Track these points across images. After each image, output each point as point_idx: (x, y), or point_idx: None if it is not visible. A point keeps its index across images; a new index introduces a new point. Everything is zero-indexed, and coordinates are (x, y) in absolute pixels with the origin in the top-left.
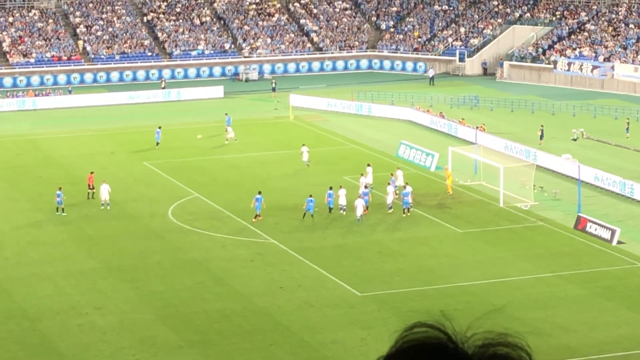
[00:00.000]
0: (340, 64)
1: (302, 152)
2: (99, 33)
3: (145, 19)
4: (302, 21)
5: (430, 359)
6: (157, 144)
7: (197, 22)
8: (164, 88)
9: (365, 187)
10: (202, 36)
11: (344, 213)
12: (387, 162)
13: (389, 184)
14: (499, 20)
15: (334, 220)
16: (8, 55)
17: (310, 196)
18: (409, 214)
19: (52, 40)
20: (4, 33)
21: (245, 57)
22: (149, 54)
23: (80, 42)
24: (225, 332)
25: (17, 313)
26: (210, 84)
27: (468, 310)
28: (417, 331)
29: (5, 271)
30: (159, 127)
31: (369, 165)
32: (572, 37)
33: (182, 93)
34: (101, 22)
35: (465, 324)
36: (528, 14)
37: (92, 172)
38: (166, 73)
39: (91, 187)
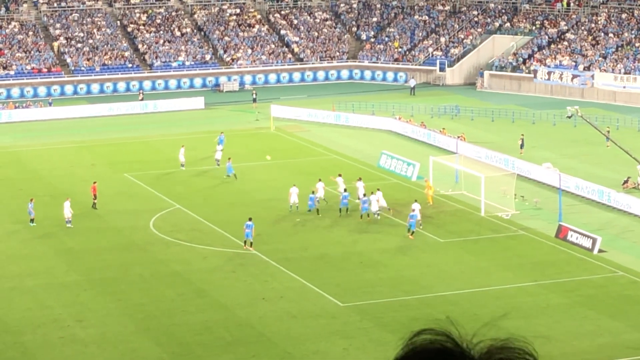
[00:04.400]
0: (321, 75)
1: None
2: (79, 45)
3: (125, 30)
4: (282, 32)
5: None
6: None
7: (178, 33)
8: (142, 100)
9: (364, 194)
10: (183, 47)
11: (379, 217)
12: (369, 172)
13: (372, 193)
14: (479, 30)
15: (315, 230)
16: None
17: (345, 190)
18: (368, 218)
19: (32, 52)
20: None
21: (226, 68)
22: (130, 65)
23: (56, 44)
24: (207, 344)
25: None
26: (191, 95)
27: (405, 337)
28: (424, 337)
29: None
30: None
31: (358, 178)
32: (552, 46)
33: (162, 104)
34: (81, 34)
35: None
36: (508, 24)
37: (95, 182)
38: (147, 84)
39: (95, 197)
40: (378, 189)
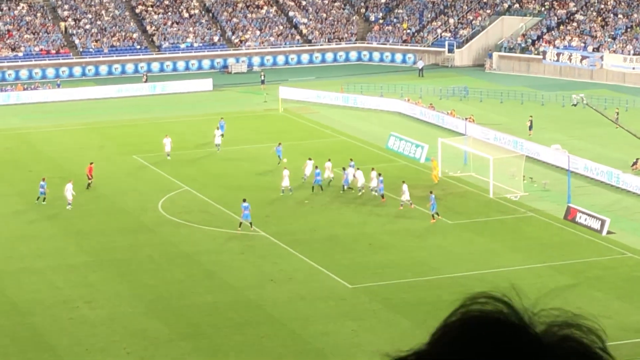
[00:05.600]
0: (329, 56)
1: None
2: (88, 26)
3: (133, 11)
4: (291, 13)
5: (492, 334)
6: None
7: (186, 14)
8: (145, 82)
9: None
10: (191, 29)
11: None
12: (377, 154)
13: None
14: (488, 11)
15: (324, 211)
16: None
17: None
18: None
19: (41, 34)
20: None
21: (234, 49)
22: (138, 47)
23: (63, 24)
24: (216, 325)
25: (8, 307)
26: (199, 76)
27: (459, 301)
28: (481, 302)
29: None
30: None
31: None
32: (561, 27)
33: (170, 86)
34: (89, 15)
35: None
36: (517, 5)
37: (91, 163)
38: (155, 66)
39: (90, 177)
40: (373, 169)
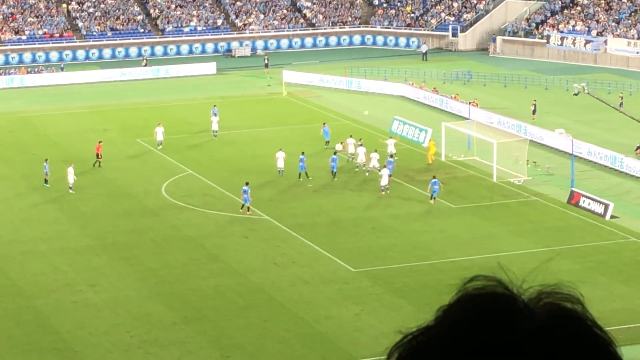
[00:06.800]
0: (333, 40)
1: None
2: (91, 10)
3: None
4: None
5: (487, 310)
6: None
7: None
8: (145, 65)
9: (391, 156)
10: (195, 12)
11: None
12: (381, 138)
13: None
14: None
15: (328, 195)
16: (0, 33)
17: (434, 177)
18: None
19: (44, 17)
20: None
21: (237, 33)
22: (141, 30)
23: (65, 6)
24: (219, 309)
25: (12, 290)
26: (203, 60)
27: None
28: (475, 283)
29: (0, 249)
30: (215, 106)
31: (390, 137)
32: (565, 11)
33: (174, 70)
34: None
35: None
36: None
37: (100, 142)
38: (159, 50)
39: (99, 156)
40: (375, 150)
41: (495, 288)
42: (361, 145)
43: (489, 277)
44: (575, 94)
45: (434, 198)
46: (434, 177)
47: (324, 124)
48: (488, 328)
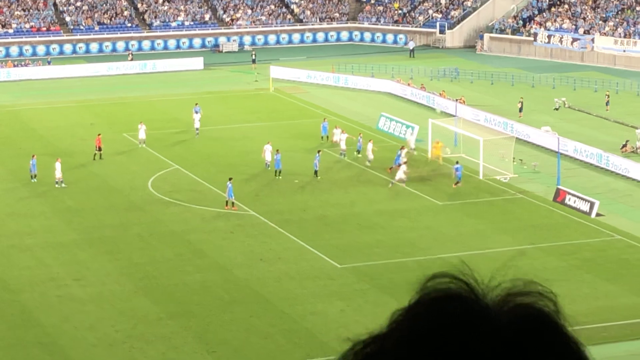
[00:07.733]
0: (320, 36)
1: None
2: (79, 4)
3: None
4: None
5: (447, 312)
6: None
7: None
8: (131, 60)
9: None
10: (182, 7)
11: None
12: (367, 135)
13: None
14: None
15: (314, 191)
16: None
17: (457, 162)
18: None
19: (31, 10)
20: None
21: (225, 28)
22: (129, 24)
23: (52, 0)
24: (205, 304)
25: None
26: (190, 55)
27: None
28: (437, 282)
29: None
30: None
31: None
32: (553, 9)
33: (161, 64)
34: None
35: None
36: None
37: (99, 134)
38: (146, 44)
39: (98, 148)
40: (370, 140)
41: (457, 288)
42: (343, 131)
43: (450, 275)
44: (556, 109)
45: (459, 182)
46: (457, 163)
47: (324, 119)
48: (444, 334)
